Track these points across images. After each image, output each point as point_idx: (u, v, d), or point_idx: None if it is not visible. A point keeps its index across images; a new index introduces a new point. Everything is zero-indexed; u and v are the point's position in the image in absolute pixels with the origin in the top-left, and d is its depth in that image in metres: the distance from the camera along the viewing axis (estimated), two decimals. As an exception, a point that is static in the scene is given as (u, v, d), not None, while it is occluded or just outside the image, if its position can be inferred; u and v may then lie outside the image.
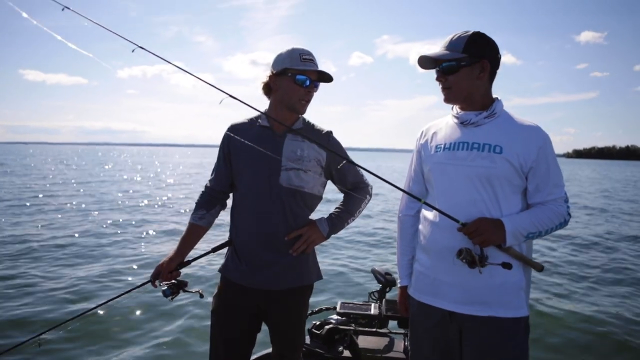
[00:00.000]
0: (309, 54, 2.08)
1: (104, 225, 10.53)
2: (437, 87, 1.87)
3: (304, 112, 2.13)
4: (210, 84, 2.14)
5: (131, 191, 19.26)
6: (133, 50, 2.10)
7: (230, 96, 2.03)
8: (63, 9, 2.19)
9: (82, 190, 18.81)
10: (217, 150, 2.24)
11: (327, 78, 2.13)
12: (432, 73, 1.88)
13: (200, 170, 39.17)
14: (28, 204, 13.86)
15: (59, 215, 11.75)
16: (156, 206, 14.89)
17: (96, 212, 12.53)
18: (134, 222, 11.22)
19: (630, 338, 4.85)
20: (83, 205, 13.85)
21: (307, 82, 2.06)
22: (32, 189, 18.52)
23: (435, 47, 1.87)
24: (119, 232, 9.87)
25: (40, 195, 16.09)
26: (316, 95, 2.14)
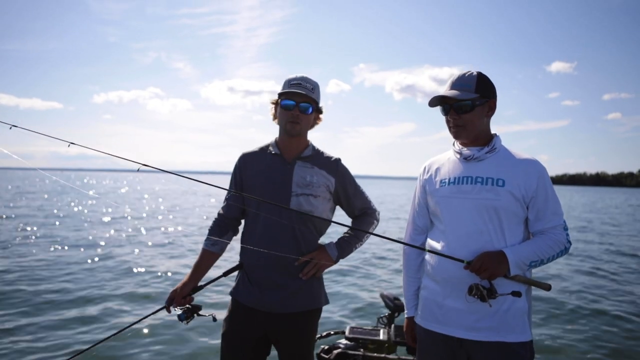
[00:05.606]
0: (300, 79, 2.16)
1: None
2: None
3: (295, 133, 2.17)
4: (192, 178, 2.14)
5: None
6: (138, 170, 2.07)
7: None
8: (69, 145, 2.31)
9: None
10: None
11: (307, 98, 2.16)
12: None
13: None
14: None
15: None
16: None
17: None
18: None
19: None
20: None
21: (291, 105, 2.13)
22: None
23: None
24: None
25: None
26: None
